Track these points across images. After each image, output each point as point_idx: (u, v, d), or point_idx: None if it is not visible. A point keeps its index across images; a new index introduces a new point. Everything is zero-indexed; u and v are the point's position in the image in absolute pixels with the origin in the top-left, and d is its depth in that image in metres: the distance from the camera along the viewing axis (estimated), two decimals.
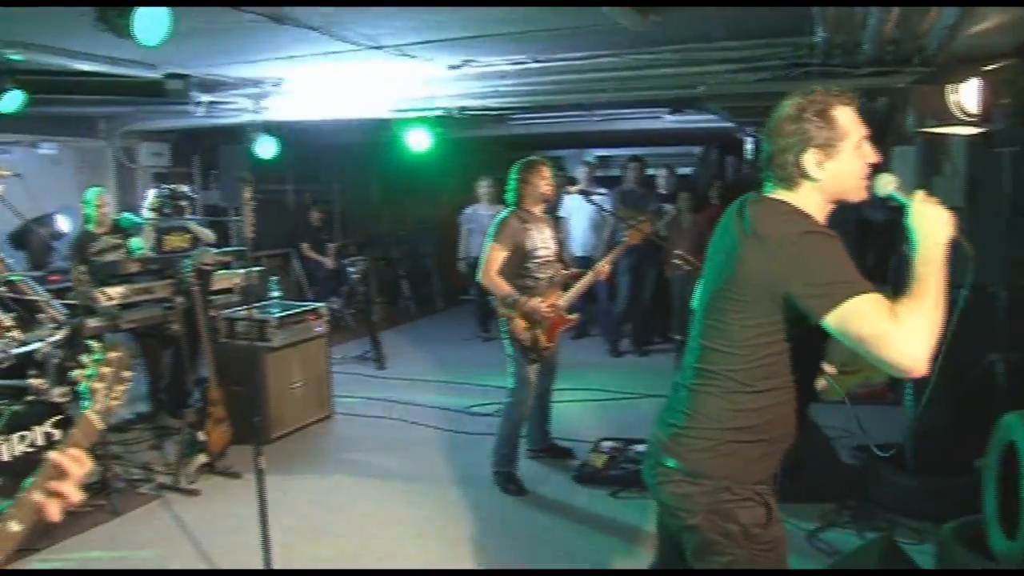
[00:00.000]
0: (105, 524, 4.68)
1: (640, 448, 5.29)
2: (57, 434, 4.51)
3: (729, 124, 8.48)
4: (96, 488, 4.79)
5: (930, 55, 4.49)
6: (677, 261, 5.34)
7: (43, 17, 4.32)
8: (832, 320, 2.00)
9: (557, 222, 5.91)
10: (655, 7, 4.16)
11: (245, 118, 7.31)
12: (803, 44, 5.02)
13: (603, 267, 5.30)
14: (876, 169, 2.28)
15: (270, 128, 7.74)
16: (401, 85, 6.43)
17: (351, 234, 11.64)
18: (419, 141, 7.94)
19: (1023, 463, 3.40)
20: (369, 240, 11.78)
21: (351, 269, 8.97)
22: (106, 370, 1.80)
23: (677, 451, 2.26)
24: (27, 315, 4.92)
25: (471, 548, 4.43)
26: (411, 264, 12.25)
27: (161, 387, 6.57)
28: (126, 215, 6.96)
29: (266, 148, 7.92)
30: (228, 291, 6.76)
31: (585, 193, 6.48)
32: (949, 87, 4.41)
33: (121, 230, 6.62)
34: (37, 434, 4.51)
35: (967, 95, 4.35)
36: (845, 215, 2.51)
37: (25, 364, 4.64)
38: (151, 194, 6.70)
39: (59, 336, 4.83)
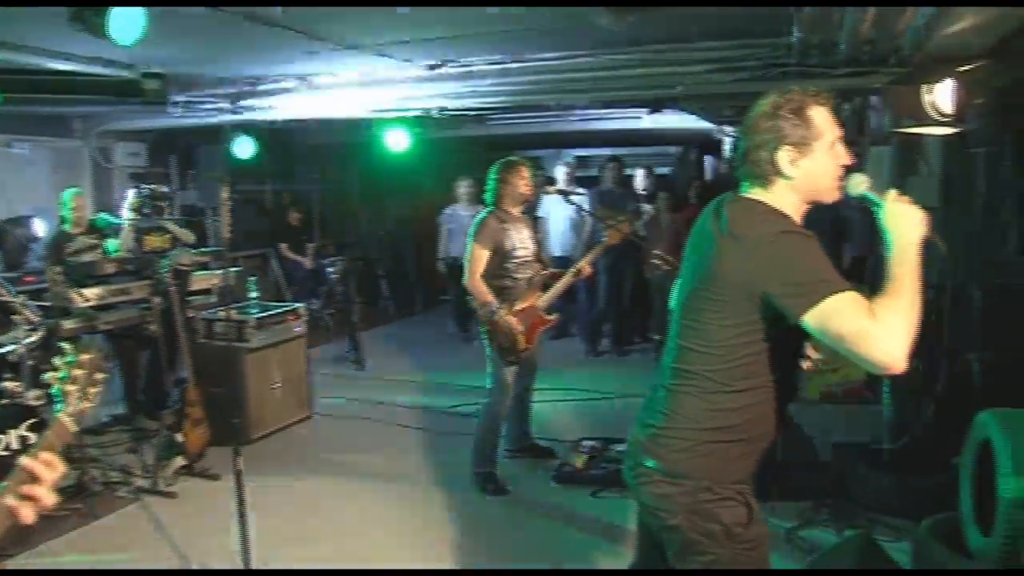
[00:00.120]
0: (81, 528, 4.63)
1: (620, 448, 5.30)
2: (32, 438, 4.47)
3: (707, 124, 8.51)
4: (72, 491, 4.75)
5: (906, 55, 4.52)
6: (656, 261, 5.36)
7: (16, 15, 4.27)
8: (811, 319, 2.01)
9: (536, 222, 5.91)
10: (632, 7, 4.17)
11: (222, 118, 7.26)
12: (780, 44, 5.03)
13: (583, 267, 5.31)
14: (852, 169, 2.29)
15: (248, 128, 7.70)
16: (379, 84, 6.40)
17: (330, 234, 11.58)
18: (398, 141, 7.94)
19: (998, 461, 3.43)
20: (348, 240, 11.73)
21: (330, 269, 8.94)
22: (78, 372, 1.79)
23: (656, 451, 2.27)
24: (1, 316, 4.87)
25: (452, 549, 4.43)
26: (390, 264, 12.21)
27: (138, 389, 6.52)
28: (102, 215, 6.90)
29: (244, 148, 7.88)
30: (206, 292, 6.73)
31: (564, 193, 6.49)
32: (924, 87, 4.43)
33: (97, 230, 6.56)
34: (12, 437, 4.46)
35: (942, 95, 4.37)
36: (821, 214, 2.52)
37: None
38: (131, 194, 6.64)
39: (34, 338, 4.78)
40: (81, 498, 4.77)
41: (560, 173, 9.36)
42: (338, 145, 10.59)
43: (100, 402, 1.87)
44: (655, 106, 7.88)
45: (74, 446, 4.83)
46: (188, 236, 6.80)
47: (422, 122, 7.69)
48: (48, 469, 1.68)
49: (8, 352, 4.62)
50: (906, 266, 2.06)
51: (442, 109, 6.85)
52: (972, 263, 4.96)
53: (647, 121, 8.68)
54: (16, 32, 4.71)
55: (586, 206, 8.16)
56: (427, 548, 4.43)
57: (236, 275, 7.00)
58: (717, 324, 2.19)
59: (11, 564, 4.14)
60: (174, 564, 4.25)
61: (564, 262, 6.20)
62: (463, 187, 9.64)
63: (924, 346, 1.95)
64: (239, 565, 3.78)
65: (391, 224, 13.08)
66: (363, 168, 11.16)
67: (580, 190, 8.94)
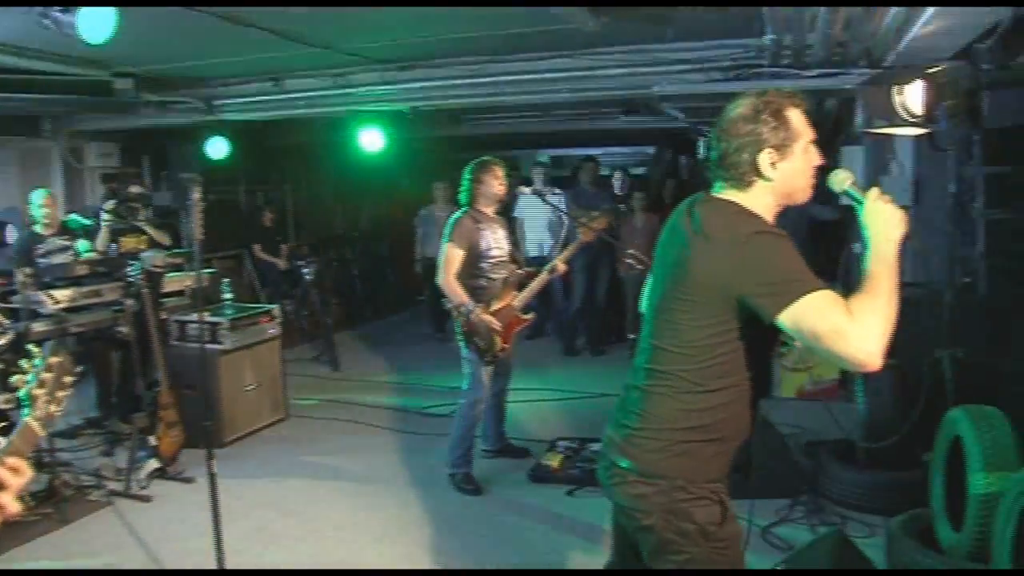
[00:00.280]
0: (53, 532, 4.57)
1: (596, 447, 5.31)
2: (1, 442, 4.40)
3: (682, 124, 8.54)
4: (43, 496, 4.70)
5: (877, 57, 4.57)
6: (630, 261, 5.38)
7: None
8: (786, 318, 2.02)
9: (510, 223, 5.91)
10: (606, 7, 4.19)
11: (196, 118, 7.21)
12: (753, 46, 5.08)
13: (558, 265, 5.32)
14: (828, 167, 2.31)
15: (222, 128, 7.65)
16: (353, 85, 6.39)
17: (304, 235, 11.53)
18: (372, 141, 7.90)
19: (968, 457, 3.47)
20: (322, 241, 11.69)
21: (304, 271, 8.89)
22: (47, 376, 1.76)
23: (631, 452, 2.27)
24: None
25: (428, 549, 4.42)
26: (365, 265, 12.16)
27: (111, 392, 6.46)
28: (73, 216, 6.83)
29: (217, 148, 7.83)
30: (179, 293, 6.67)
31: (539, 193, 6.50)
32: (895, 88, 4.48)
33: (69, 232, 6.49)
34: None
35: (912, 96, 4.42)
36: (795, 214, 2.54)
37: None
38: (106, 198, 6.60)
39: (3, 341, 4.72)
40: (52, 503, 4.72)
41: (535, 173, 9.37)
42: (312, 145, 10.55)
43: (71, 405, 1.85)
44: (629, 108, 7.93)
45: (44, 450, 4.78)
46: (164, 238, 6.75)
47: (397, 122, 7.67)
48: (14, 475, 1.66)
49: None
50: (884, 264, 2.07)
51: (416, 109, 6.84)
52: (942, 262, 5.01)
53: (622, 121, 8.72)
54: None
55: (561, 206, 8.17)
56: (404, 549, 4.42)
57: (209, 277, 6.95)
58: (690, 324, 2.20)
59: None
60: (148, 568, 4.21)
61: (540, 262, 6.22)
62: (440, 188, 9.63)
63: (897, 344, 1.97)
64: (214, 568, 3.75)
65: (366, 224, 13.05)
66: (338, 168, 11.12)
67: (555, 190, 8.97)
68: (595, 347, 9.11)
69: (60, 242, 6.35)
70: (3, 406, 4.48)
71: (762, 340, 2.28)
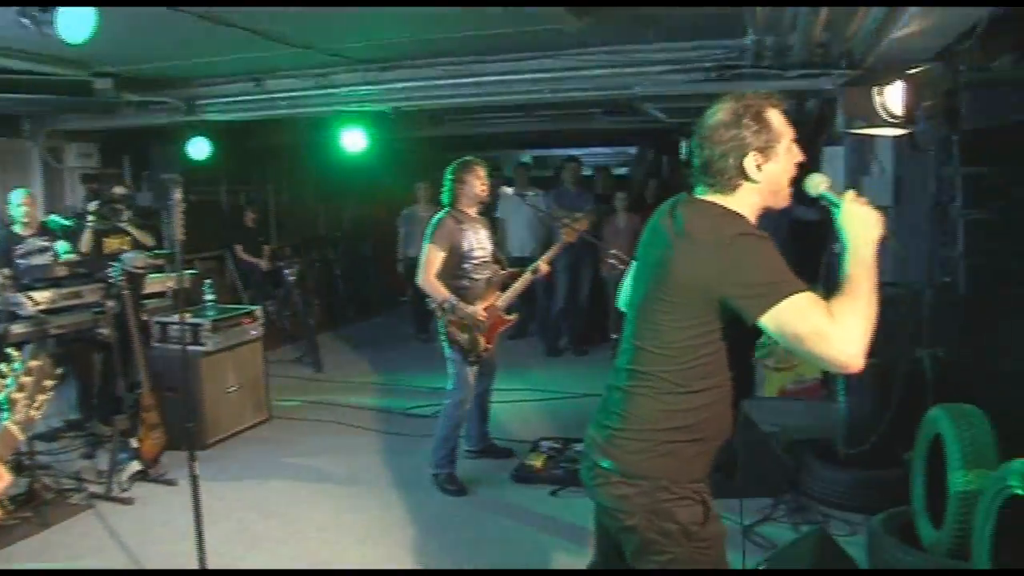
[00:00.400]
0: (34, 536, 4.53)
1: (579, 447, 5.28)
2: None
3: (664, 124, 8.57)
4: (23, 500, 4.66)
5: (857, 58, 4.60)
6: (612, 261, 5.39)
7: None
8: (768, 320, 2.03)
9: (493, 223, 5.91)
10: (588, 8, 4.20)
11: (176, 118, 7.17)
12: (734, 46, 5.10)
13: (541, 266, 5.33)
14: (806, 170, 2.32)
15: (203, 128, 7.61)
16: (335, 86, 6.37)
17: (286, 236, 11.48)
18: (354, 142, 7.88)
19: (948, 455, 3.50)
20: (305, 241, 11.64)
21: (287, 271, 8.86)
22: (26, 379, 1.75)
23: (613, 453, 2.28)
24: None
25: (411, 550, 4.41)
26: (348, 265, 12.13)
27: (92, 394, 6.41)
28: (53, 217, 6.78)
29: (199, 149, 7.79)
30: (161, 295, 6.63)
31: (521, 194, 6.50)
32: (875, 89, 4.51)
33: (49, 232, 6.44)
34: None
35: (892, 97, 4.45)
36: (777, 215, 2.55)
37: None
38: (88, 199, 6.56)
39: None
40: (32, 506, 4.68)
41: (517, 174, 9.39)
42: (295, 146, 10.51)
43: (51, 408, 1.83)
44: (611, 108, 7.94)
45: (24, 454, 4.74)
46: (148, 239, 6.71)
47: (379, 122, 7.65)
48: None
49: None
50: (862, 266, 2.08)
51: (398, 109, 6.83)
52: (922, 261, 5.05)
53: (604, 121, 8.74)
54: None
55: (543, 207, 8.18)
56: (387, 550, 4.41)
57: (191, 278, 6.91)
58: (672, 325, 2.20)
59: None
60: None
61: (523, 263, 6.24)
62: (422, 188, 9.62)
63: (877, 344, 1.98)
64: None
65: (348, 225, 13.02)
66: (320, 169, 11.08)
67: (537, 191, 8.99)
68: (578, 347, 9.13)
69: (40, 243, 6.30)
70: None
71: (745, 340, 2.28)
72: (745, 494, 4.68)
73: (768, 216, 2.34)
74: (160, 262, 6.63)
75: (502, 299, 5.25)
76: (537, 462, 5.40)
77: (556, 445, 5.64)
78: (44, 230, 6.43)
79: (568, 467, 5.19)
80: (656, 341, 2.24)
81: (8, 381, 1.74)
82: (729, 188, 2.22)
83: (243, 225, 9.98)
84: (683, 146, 10.26)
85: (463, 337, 5.05)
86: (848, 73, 4.81)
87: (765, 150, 2.19)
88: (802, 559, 3.37)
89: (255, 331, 6.63)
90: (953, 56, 4.17)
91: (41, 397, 1.78)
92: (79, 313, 5.80)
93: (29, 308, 5.44)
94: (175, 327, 6.03)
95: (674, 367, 2.21)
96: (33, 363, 1.77)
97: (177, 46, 5.32)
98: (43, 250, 6.27)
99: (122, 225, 6.54)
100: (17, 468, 4.59)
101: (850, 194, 2.22)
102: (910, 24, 3.48)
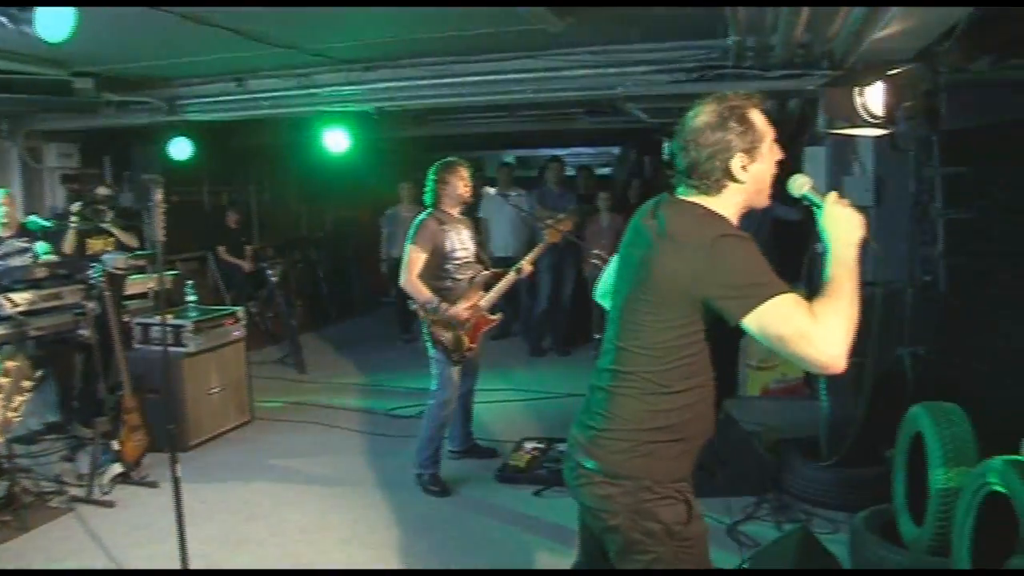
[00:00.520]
0: (13, 540, 4.48)
1: (563, 447, 5.29)
2: None
3: (647, 124, 8.58)
4: (2, 503, 4.61)
5: (838, 59, 4.62)
6: (595, 261, 5.40)
7: None
8: (751, 321, 2.04)
9: (476, 223, 5.91)
10: (571, 8, 4.20)
11: (158, 118, 7.13)
12: (716, 47, 5.11)
13: (524, 266, 5.32)
14: (789, 170, 2.34)
15: (184, 129, 7.57)
16: (317, 86, 6.35)
17: (269, 236, 11.43)
18: (337, 142, 7.85)
19: (929, 453, 3.52)
20: (288, 242, 11.60)
21: (269, 272, 8.82)
22: (4, 381, 1.74)
23: (596, 453, 2.28)
24: None
25: (396, 551, 4.41)
26: (331, 266, 12.10)
27: (72, 396, 6.36)
28: (32, 218, 6.73)
29: (180, 149, 7.75)
30: (142, 296, 6.59)
31: (504, 194, 6.49)
32: (856, 90, 4.54)
33: (28, 233, 6.39)
34: None
35: (872, 98, 4.48)
36: (759, 215, 2.57)
37: None
38: (70, 200, 6.51)
39: None
40: (11, 510, 4.62)
41: (500, 174, 9.39)
42: (277, 146, 10.46)
43: (31, 410, 1.82)
44: (593, 108, 7.95)
45: (3, 456, 4.70)
46: (131, 240, 6.66)
47: (362, 122, 7.63)
48: None
49: None
50: (844, 267, 2.10)
51: (381, 109, 6.82)
52: (903, 261, 5.08)
53: (587, 121, 8.74)
54: None
55: (526, 207, 8.18)
56: (372, 551, 4.40)
57: (173, 279, 6.87)
58: (655, 326, 2.21)
59: None
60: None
61: (506, 263, 6.25)
62: (405, 188, 9.61)
63: (859, 343, 1.99)
64: None
65: (331, 225, 12.98)
66: (303, 169, 11.05)
67: (520, 191, 8.99)
68: (561, 347, 9.14)
69: (19, 244, 6.24)
70: None
71: (728, 340, 2.30)
72: (728, 493, 4.72)
73: (750, 215, 2.35)
74: (141, 263, 6.59)
75: (485, 299, 5.25)
76: (521, 462, 5.41)
77: (540, 445, 5.64)
78: (23, 231, 6.38)
79: (552, 467, 5.20)
80: (639, 342, 2.24)
81: None
82: (714, 189, 2.23)
83: (225, 226, 9.94)
84: (665, 146, 10.29)
85: (447, 337, 5.04)
86: (829, 74, 4.83)
87: (750, 151, 2.20)
88: (785, 557, 3.39)
89: (237, 332, 6.60)
90: (933, 57, 4.20)
91: (19, 399, 1.77)
92: (59, 315, 5.75)
93: (8, 310, 5.39)
94: (156, 328, 6.00)
95: (657, 367, 2.22)
96: (11, 364, 1.76)
97: (159, 46, 5.29)
98: (22, 251, 6.22)
99: (105, 226, 6.49)
100: None
101: (832, 195, 2.24)
102: (891, 25, 3.51)
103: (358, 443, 6.22)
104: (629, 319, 2.28)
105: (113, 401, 5.44)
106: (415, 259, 5.00)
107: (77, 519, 4.80)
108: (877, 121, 4.51)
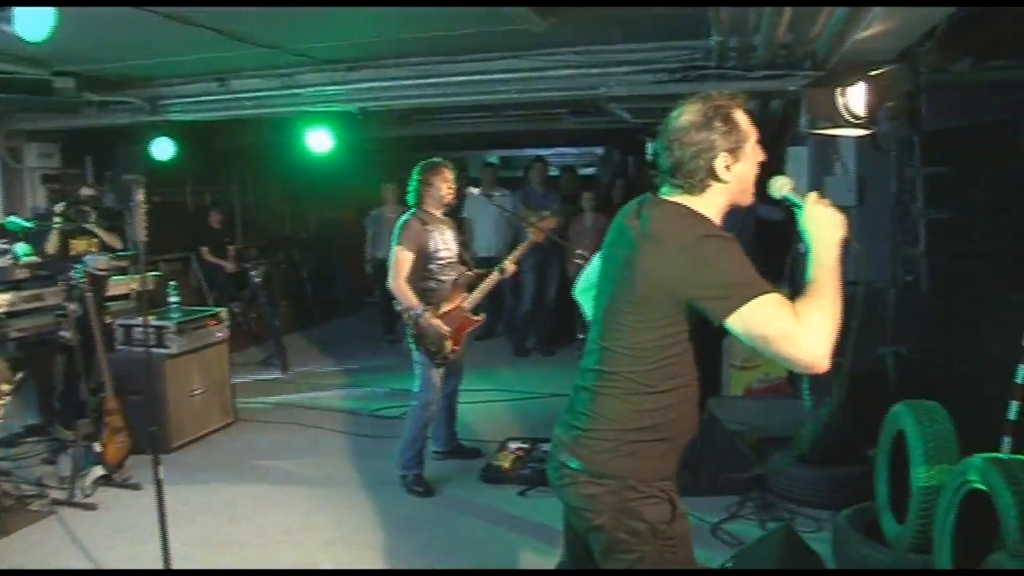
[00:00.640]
0: None
1: (547, 447, 5.29)
2: None
3: (630, 124, 8.60)
4: None
5: (821, 59, 4.64)
6: (579, 261, 5.41)
7: None
8: (735, 321, 2.04)
9: (459, 224, 5.90)
10: (554, 8, 4.20)
11: (140, 118, 7.08)
12: (700, 47, 5.13)
13: (508, 266, 5.33)
14: (771, 171, 2.35)
15: (167, 129, 7.53)
16: (300, 86, 6.33)
17: (252, 237, 11.39)
18: (320, 142, 7.83)
19: (911, 451, 3.55)
20: (271, 243, 11.56)
21: (253, 273, 8.79)
22: None
23: (580, 452, 2.29)
24: None
25: (380, 552, 4.40)
26: (315, 266, 12.06)
27: (54, 398, 6.31)
28: (12, 218, 6.67)
29: (162, 149, 7.70)
30: (124, 297, 6.55)
31: (487, 195, 6.49)
32: (838, 90, 4.56)
33: (8, 234, 6.34)
34: None
35: (854, 98, 4.51)
36: (742, 214, 2.58)
37: None
38: (53, 200, 6.47)
39: None
40: None
41: (483, 174, 9.39)
42: (260, 146, 10.42)
43: (11, 412, 1.80)
44: (577, 108, 7.96)
45: None
46: (115, 241, 6.62)
47: (346, 123, 7.62)
48: None
49: None
50: (826, 267, 2.11)
51: (364, 109, 6.80)
52: (885, 261, 5.11)
53: (571, 121, 8.75)
54: None
55: (509, 207, 8.18)
56: (356, 552, 4.39)
57: (155, 280, 6.83)
58: (639, 326, 2.21)
59: None
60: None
61: (489, 263, 6.25)
62: (389, 189, 9.60)
63: (841, 343, 2.00)
64: None
65: (315, 226, 12.94)
66: (286, 169, 11.01)
67: (504, 191, 8.99)
68: (545, 347, 9.14)
69: None
70: None
71: (712, 340, 2.30)
72: (712, 492, 4.73)
73: (734, 215, 2.36)
74: (123, 264, 6.55)
75: (469, 300, 5.25)
76: (505, 462, 5.41)
77: (524, 445, 5.64)
78: (3, 232, 6.33)
79: (536, 467, 5.19)
80: (623, 342, 2.25)
81: None
82: (698, 189, 2.23)
83: (208, 226, 9.89)
84: (649, 146, 10.30)
85: (430, 339, 5.04)
86: (811, 74, 4.85)
87: (734, 151, 2.21)
88: (768, 556, 3.40)
89: (221, 333, 6.58)
90: (914, 58, 4.23)
91: None
92: (40, 316, 5.72)
93: None
94: (139, 330, 5.96)
95: (641, 367, 2.22)
96: None
97: (140, 46, 5.25)
98: (2, 252, 6.17)
99: (89, 227, 6.45)
100: None
101: (813, 196, 2.25)
102: (872, 26, 3.53)
103: (342, 444, 6.20)
104: (613, 319, 2.28)
105: (95, 403, 5.40)
106: (402, 261, 4.99)
107: (58, 522, 4.76)
108: (859, 121, 4.54)
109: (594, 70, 5.60)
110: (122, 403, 5.37)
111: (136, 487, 5.17)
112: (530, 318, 9.16)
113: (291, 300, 11.25)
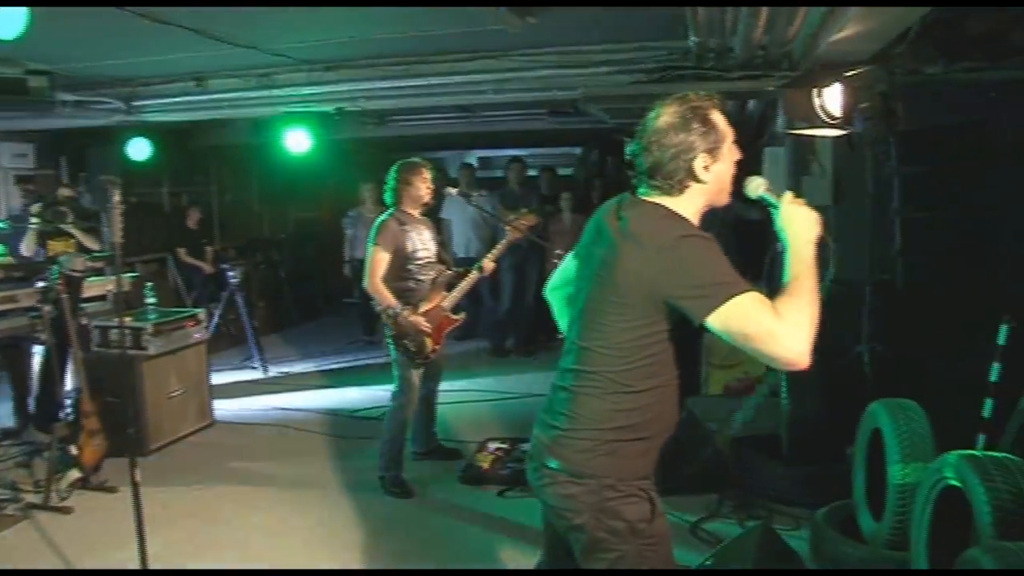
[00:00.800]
0: None
1: (526, 447, 5.32)
2: None
3: (609, 125, 8.62)
4: None
5: (797, 60, 4.67)
6: (558, 261, 5.42)
7: None
8: (715, 321, 2.05)
9: (438, 224, 5.89)
10: (532, 7, 4.20)
11: (116, 119, 7.03)
12: (677, 48, 5.14)
13: (487, 264, 5.32)
14: (747, 172, 2.36)
15: (143, 129, 7.47)
16: (277, 86, 6.30)
17: (230, 237, 11.33)
18: (298, 142, 7.80)
19: (887, 449, 3.58)
20: (249, 243, 11.50)
21: (231, 274, 8.74)
22: None
23: (560, 452, 2.29)
24: None
25: (360, 553, 4.39)
26: (293, 267, 12.01)
27: (28, 400, 6.25)
28: None
29: (139, 149, 7.65)
30: (101, 298, 6.50)
31: (465, 195, 6.48)
32: (815, 91, 4.59)
33: None
34: None
35: (830, 99, 4.54)
36: (720, 214, 2.59)
37: None
38: (30, 201, 6.40)
39: None
40: None
41: (462, 175, 9.38)
42: (238, 146, 10.37)
43: None
44: (555, 108, 7.96)
45: None
46: (93, 242, 6.57)
47: (323, 123, 7.58)
48: None
49: None
50: (803, 265, 2.12)
51: (340, 109, 6.78)
52: (862, 260, 5.15)
53: (549, 122, 8.76)
54: None
55: (488, 207, 8.18)
56: (335, 553, 4.38)
57: (132, 281, 6.77)
58: (619, 326, 2.21)
59: None
60: None
61: (468, 263, 6.25)
62: (368, 189, 9.57)
63: (818, 341, 2.02)
64: None
65: (294, 226, 12.90)
66: (264, 170, 10.97)
67: (482, 192, 8.99)
68: (524, 348, 9.14)
69: None
70: None
71: (689, 339, 2.31)
72: (691, 491, 4.75)
73: (712, 214, 2.37)
74: (99, 265, 6.49)
75: (448, 299, 5.24)
76: (485, 463, 5.40)
77: (503, 445, 5.64)
78: None
79: (515, 467, 5.20)
80: (602, 341, 2.25)
81: None
82: (677, 190, 2.24)
83: (185, 227, 9.83)
84: (627, 147, 10.31)
85: (410, 339, 5.03)
86: (788, 75, 4.88)
87: (712, 151, 2.22)
88: (746, 553, 3.42)
89: (199, 334, 6.53)
90: (889, 59, 4.26)
91: None
92: (14, 318, 5.65)
93: None
94: (115, 331, 5.92)
95: (621, 367, 2.23)
96: None
97: (116, 45, 5.21)
98: None
99: (66, 228, 6.40)
100: None
101: (788, 195, 2.27)
102: (847, 27, 3.55)
103: (321, 445, 6.18)
104: (592, 319, 2.28)
105: (71, 405, 5.35)
106: (378, 261, 4.98)
107: (33, 526, 4.72)
108: (835, 122, 4.57)
109: (572, 71, 5.61)
110: (98, 405, 5.32)
111: (113, 490, 5.13)
112: (509, 319, 9.16)
113: (269, 301, 11.20)
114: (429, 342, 5.09)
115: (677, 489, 4.59)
